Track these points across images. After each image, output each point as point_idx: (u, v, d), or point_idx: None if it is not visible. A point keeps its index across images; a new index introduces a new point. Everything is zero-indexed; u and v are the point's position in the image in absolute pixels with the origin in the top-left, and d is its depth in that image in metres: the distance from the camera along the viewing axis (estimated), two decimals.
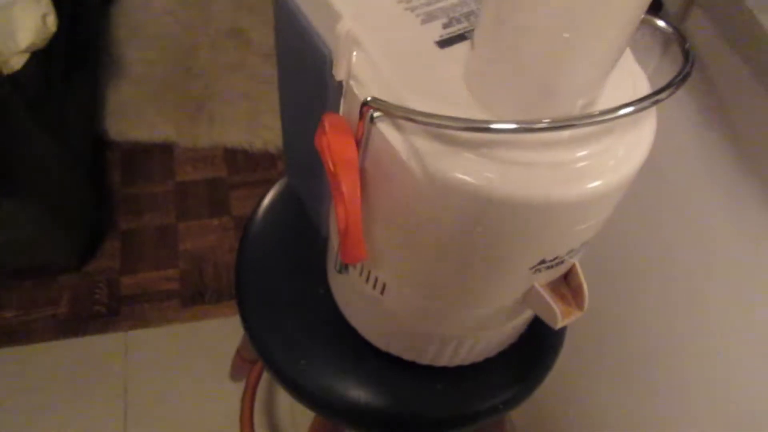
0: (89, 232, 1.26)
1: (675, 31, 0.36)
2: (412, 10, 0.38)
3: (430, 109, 0.33)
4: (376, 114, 0.33)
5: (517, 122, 0.31)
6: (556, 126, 0.32)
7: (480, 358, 0.50)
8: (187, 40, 1.65)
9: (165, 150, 1.44)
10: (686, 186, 0.61)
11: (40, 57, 1.04)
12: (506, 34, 0.31)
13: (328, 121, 0.35)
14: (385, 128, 0.33)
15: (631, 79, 0.37)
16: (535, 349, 0.54)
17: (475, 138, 0.32)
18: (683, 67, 0.34)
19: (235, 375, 1.08)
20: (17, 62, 0.98)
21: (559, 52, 0.30)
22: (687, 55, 0.34)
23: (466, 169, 0.32)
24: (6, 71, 0.95)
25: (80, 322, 1.17)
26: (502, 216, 0.33)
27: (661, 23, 0.37)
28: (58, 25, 1.07)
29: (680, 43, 0.36)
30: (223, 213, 1.35)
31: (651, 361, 0.70)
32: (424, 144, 0.32)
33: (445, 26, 0.37)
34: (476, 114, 0.33)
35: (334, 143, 0.34)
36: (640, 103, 0.33)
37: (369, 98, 0.32)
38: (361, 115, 0.33)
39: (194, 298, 1.23)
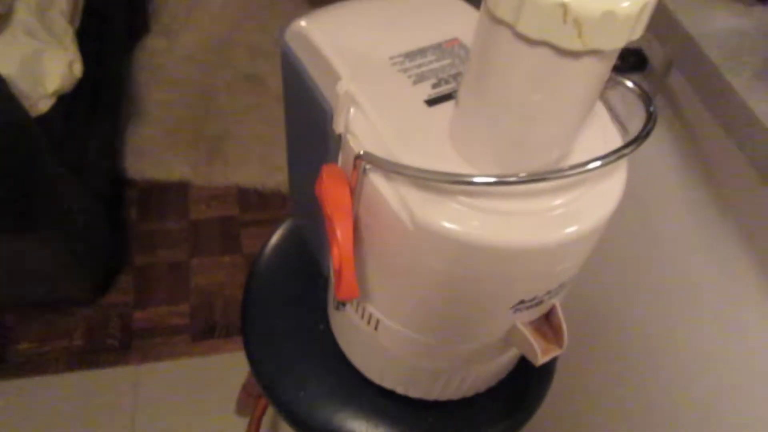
0: (105, 267, 1.30)
1: (642, 93, 0.40)
2: (405, 71, 0.42)
3: (418, 162, 0.36)
4: (367, 166, 0.36)
5: (495, 176, 0.35)
6: (530, 180, 0.35)
7: (470, 393, 0.53)
8: (205, 84, 1.72)
9: (181, 188, 1.49)
10: (668, 221, 0.64)
11: (65, 100, 1.10)
12: (483, 97, 0.34)
13: (326, 171, 0.39)
14: (376, 179, 0.37)
15: (602, 133, 0.41)
16: (524, 384, 0.56)
17: (458, 189, 0.36)
18: (645, 126, 0.37)
19: (240, 409, 1.10)
20: (44, 105, 1.04)
21: (530, 114, 0.34)
22: (650, 116, 0.38)
23: (449, 218, 0.35)
24: (34, 114, 1.01)
25: (93, 354, 1.21)
26: (483, 260, 0.37)
27: (629, 84, 0.41)
28: (83, 70, 1.13)
29: (645, 103, 0.39)
30: (235, 250, 1.39)
31: (645, 381, 0.71)
32: (411, 194, 0.36)
33: (434, 86, 0.41)
34: (459, 168, 0.37)
35: (330, 192, 0.37)
36: (607, 158, 0.36)
37: (362, 152, 0.36)
38: (355, 166, 0.37)
39: (204, 333, 1.26)
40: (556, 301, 0.44)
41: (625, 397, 0.76)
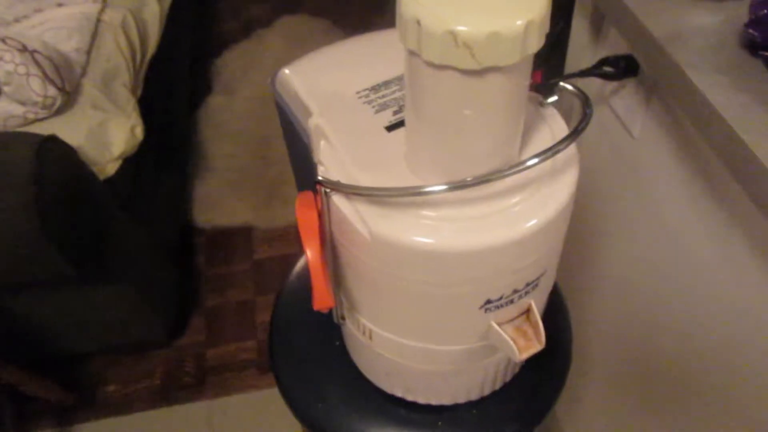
0: (178, 311, 1.41)
1: (581, 95, 0.43)
2: (369, 102, 0.47)
3: (375, 183, 0.41)
4: (327, 189, 0.41)
5: (431, 185, 0.38)
6: (461, 185, 0.38)
7: (476, 396, 0.55)
8: (262, 133, 1.84)
9: (244, 232, 1.59)
10: (664, 192, 0.65)
11: (131, 162, 1.22)
12: (420, 118, 0.39)
13: (298, 198, 0.44)
14: (338, 200, 0.42)
15: (551, 135, 0.44)
16: (536, 384, 0.58)
17: (408, 201, 0.40)
18: (578, 125, 0.40)
19: None
20: (111, 168, 1.16)
21: (461, 128, 0.37)
22: (584, 116, 0.41)
23: (400, 228, 0.39)
24: (102, 177, 1.13)
25: (171, 392, 1.30)
26: (437, 264, 0.40)
27: (570, 88, 0.44)
28: (145, 133, 1.25)
29: (583, 104, 0.42)
30: None
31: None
32: (367, 210, 0.40)
33: (395, 113, 0.46)
34: (410, 183, 0.41)
35: (300, 216, 0.42)
36: (543, 155, 0.39)
37: (320, 178, 0.41)
38: (318, 191, 0.42)
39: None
40: (531, 301, 0.46)
41: (642, 389, 0.75)
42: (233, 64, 2.12)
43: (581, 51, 0.81)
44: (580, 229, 0.90)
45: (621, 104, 0.72)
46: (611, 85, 0.74)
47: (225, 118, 1.92)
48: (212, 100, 1.98)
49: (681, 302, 0.67)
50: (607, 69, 0.68)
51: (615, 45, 0.71)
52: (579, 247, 0.92)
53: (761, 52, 0.49)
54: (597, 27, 0.75)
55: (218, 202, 1.66)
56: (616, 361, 0.87)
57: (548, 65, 0.90)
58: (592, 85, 0.78)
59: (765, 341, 0.55)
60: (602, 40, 0.75)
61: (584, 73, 0.69)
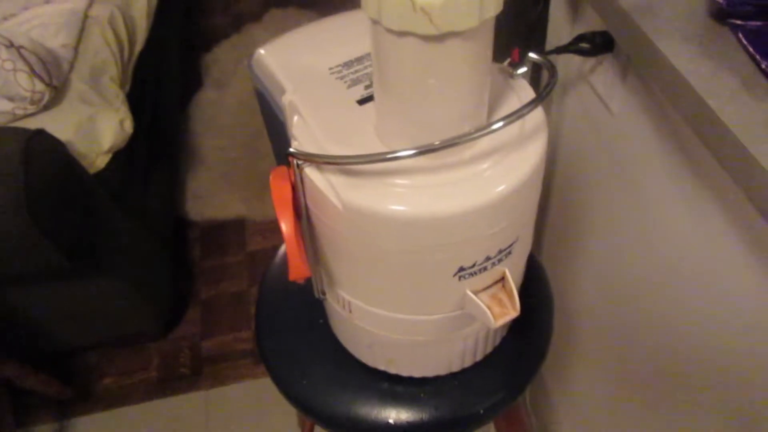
0: (173, 303, 1.42)
1: (547, 63, 0.44)
2: (342, 78, 0.48)
3: (345, 153, 0.42)
4: (299, 161, 0.42)
5: (397, 150, 0.39)
6: (424, 150, 0.39)
7: (456, 368, 0.56)
8: (253, 126, 1.84)
9: (237, 224, 1.60)
10: (642, 171, 0.66)
11: (121, 156, 1.22)
12: (387, 88, 0.39)
13: (272, 173, 0.44)
14: (310, 172, 0.42)
15: (519, 103, 0.45)
16: (516, 357, 0.59)
17: (378, 170, 0.41)
18: (543, 89, 0.41)
19: (301, 423, 1.16)
20: (101, 162, 1.16)
21: (426, 96, 0.38)
22: (549, 81, 0.41)
23: (370, 196, 0.40)
24: (92, 170, 1.14)
25: (168, 383, 1.31)
26: (411, 231, 0.41)
27: (536, 57, 0.45)
28: (134, 127, 1.25)
29: (549, 71, 0.43)
30: None
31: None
32: (338, 180, 0.41)
33: (367, 87, 0.47)
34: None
35: (274, 189, 0.43)
36: (509, 118, 0.40)
37: (291, 150, 0.42)
38: (290, 163, 0.42)
39: None
40: (506, 269, 0.47)
41: (628, 356, 0.76)
42: (223, 59, 2.13)
43: (561, 30, 0.81)
44: (563, 205, 0.91)
45: (599, 81, 0.73)
46: (590, 63, 0.74)
47: (216, 112, 1.92)
48: (203, 95, 1.99)
49: (661, 273, 0.68)
50: (584, 45, 0.69)
51: (593, 23, 0.72)
52: (561, 222, 0.93)
53: (728, 20, 0.50)
54: (574, 5, 0.76)
55: (211, 195, 1.67)
56: (603, 329, 0.88)
57: (529, 45, 0.91)
58: (572, 64, 0.79)
59: (740, 306, 0.56)
60: (580, 19, 0.76)
61: (561, 50, 0.69)
